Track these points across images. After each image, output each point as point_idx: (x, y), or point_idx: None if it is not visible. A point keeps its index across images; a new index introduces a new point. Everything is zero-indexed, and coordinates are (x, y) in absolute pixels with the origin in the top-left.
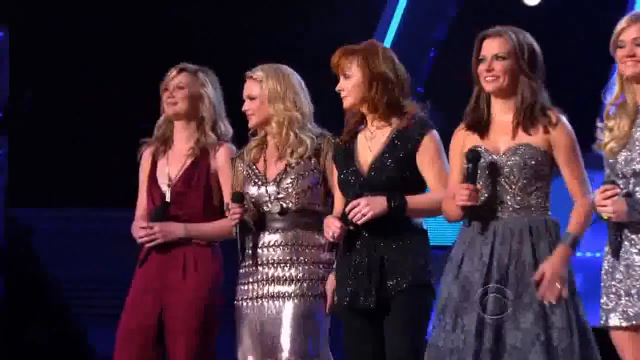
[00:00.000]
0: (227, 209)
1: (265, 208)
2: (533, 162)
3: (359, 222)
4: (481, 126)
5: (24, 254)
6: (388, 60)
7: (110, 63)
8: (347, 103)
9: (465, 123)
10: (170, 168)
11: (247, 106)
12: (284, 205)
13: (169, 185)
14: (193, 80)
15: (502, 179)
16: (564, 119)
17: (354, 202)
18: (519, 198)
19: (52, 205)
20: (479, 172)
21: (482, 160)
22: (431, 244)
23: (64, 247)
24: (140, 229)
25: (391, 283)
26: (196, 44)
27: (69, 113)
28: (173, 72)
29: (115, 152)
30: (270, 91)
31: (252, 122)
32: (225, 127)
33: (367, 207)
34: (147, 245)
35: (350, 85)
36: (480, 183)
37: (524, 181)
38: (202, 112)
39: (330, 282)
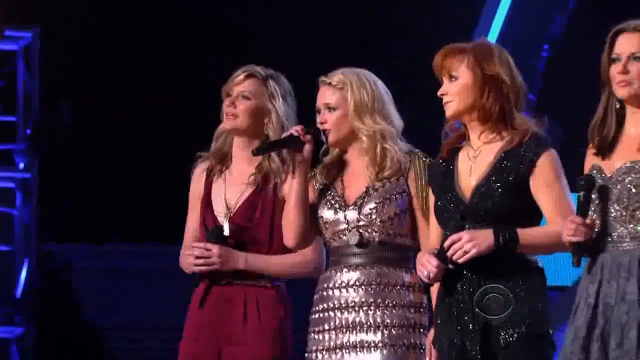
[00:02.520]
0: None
1: (342, 238)
2: None
3: (460, 261)
4: (607, 143)
5: (60, 295)
6: (504, 62)
7: (159, 73)
8: (450, 110)
9: (594, 143)
10: (228, 194)
11: (324, 118)
12: (365, 235)
13: (226, 216)
14: (261, 89)
15: (613, 204)
16: None
17: (454, 237)
18: (631, 226)
19: (89, 240)
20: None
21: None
22: (548, 284)
23: (103, 287)
24: (194, 248)
25: (502, 333)
26: (254, 44)
27: (111, 130)
28: (240, 75)
29: (160, 177)
30: (356, 100)
31: (333, 137)
32: None
33: (470, 243)
34: (201, 269)
35: (456, 88)
36: (593, 214)
37: (637, 204)
38: (267, 129)
39: (432, 337)
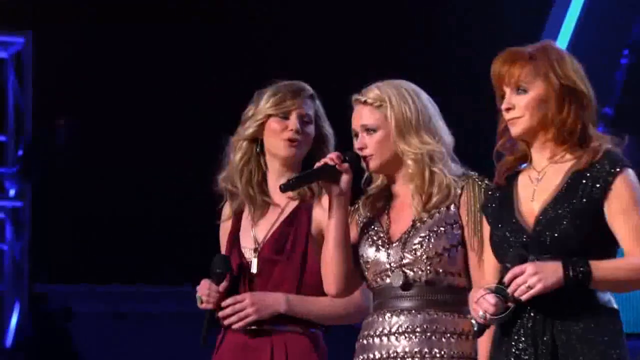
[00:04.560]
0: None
1: (385, 280)
2: None
3: (522, 298)
4: None
5: (56, 344)
6: (577, 69)
7: (171, 85)
8: (520, 128)
9: None
10: (259, 227)
11: (363, 142)
12: (410, 275)
13: (255, 250)
14: (317, 110)
15: None
16: None
17: (517, 270)
18: None
19: (90, 280)
20: None
21: None
22: (625, 331)
23: (106, 334)
24: (216, 297)
25: None
26: (272, 53)
27: (116, 153)
28: (303, 94)
29: (172, 211)
30: (398, 118)
31: (375, 163)
32: None
33: (534, 277)
34: (238, 325)
35: (527, 101)
36: None
37: None
38: (318, 155)
39: None
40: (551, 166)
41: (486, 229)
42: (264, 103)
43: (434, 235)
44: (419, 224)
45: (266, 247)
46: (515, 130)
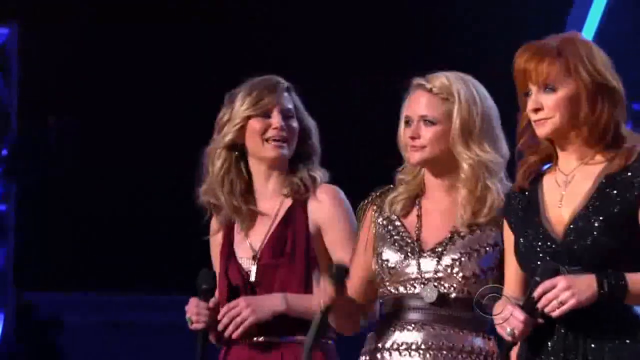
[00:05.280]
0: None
1: (408, 289)
2: None
3: (554, 314)
4: None
5: (44, 357)
6: (606, 62)
7: (171, 81)
8: (548, 128)
9: None
10: (253, 235)
11: (418, 132)
12: (441, 290)
13: (254, 258)
14: (296, 103)
15: None
16: None
17: (547, 284)
18: None
19: (81, 288)
20: None
21: None
22: None
23: (99, 346)
24: (206, 315)
25: None
26: (277, 44)
27: (108, 153)
28: (279, 88)
29: (169, 215)
30: (464, 118)
31: (421, 156)
32: (322, 171)
33: (567, 292)
34: (237, 334)
35: (556, 100)
36: None
37: None
38: (303, 150)
39: None
40: (580, 169)
41: (508, 235)
42: (240, 104)
43: (475, 254)
44: (457, 238)
45: (265, 253)
46: (544, 131)
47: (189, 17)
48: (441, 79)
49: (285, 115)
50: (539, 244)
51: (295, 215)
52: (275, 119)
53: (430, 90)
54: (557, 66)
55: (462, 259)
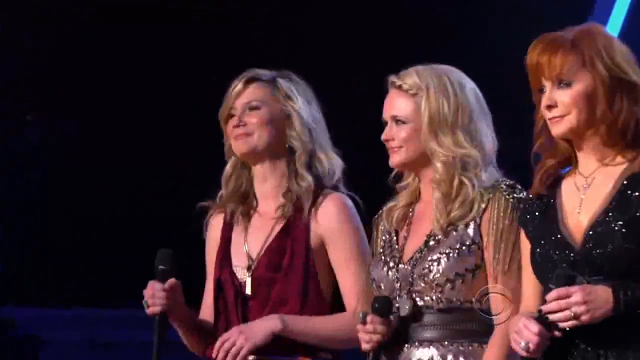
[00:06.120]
0: (363, 321)
1: (394, 304)
2: None
3: (564, 325)
4: None
5: None
6: (627, 55)
7: (169, 84)
8: (563, 127)
9: None
10: (251, 242)
11: (389, 134)
12: (420, 302)
13: (249, 269)
14: (272, 93)
15: None
16: None
17: (562, 292)
18: None
19: (60, 304)
20: None
21: None
22: None
23: None
24: (162, 296)
25: None
26: (280, 42)
27: (92, 157)
28: (238, 85)
29: (156, 223)
30: (432, 112)
31: (397, 159)
32: (329, 162)
33: (582, 307)
34: None
35: (571, 97)
36: None
37: None
38: (290, 141)
39: None
40: (600, 170)
41: (525, 245)
42: (220, 111)
43: (446, 258)
44: (432, 243)
45: (260, 265)
46: (559, 129)
47: (189, 17)
48: (411, 74)
49: (249, 107)
50: (557, 252)
51: (296, 224)
52: (235, 116)
53: (400, 87)
54: (572, 59)
55: (434, 265)
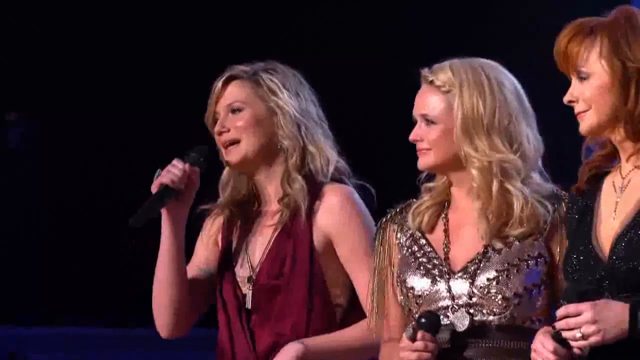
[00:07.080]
0: (412, 337)
1: (442, 320)
2: None
3: (573, 345)
4: None
5: None
6: None
7: (168, 84)
8: (586, 124)
9: None
10: (252, 249)
11: (418, 134)
12: (477, 317)
13: (249, 280)
14: (255, 91)
15: None
16: None
17: (571, 309)
18: None
19: (48, 322)
20: None
21: None
22: None
23: None
24: (179, 173)
25: None
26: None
27: (80, 157)
28: (217, 85)
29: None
30: (467, 112)
31: (425, 162)
32: (321, 156)
33: (592, 327)
34: None
35: (590, 91)
36: None
37: None
38: (280, 140)
39: None
40: (635, 172)
41: (564, 246)
42: (205, 117)
43: (514, 271)
44: (491, 253)
45: (261, 273)
46: (583, 127)
47: (189, 17)
48: (445, 69)
49: (232, 109)
50: (584, 264)
51: (297, 227)
52: (219, 121)
53: (432, 83)
54: (586, 48)
55: (500, 278)
